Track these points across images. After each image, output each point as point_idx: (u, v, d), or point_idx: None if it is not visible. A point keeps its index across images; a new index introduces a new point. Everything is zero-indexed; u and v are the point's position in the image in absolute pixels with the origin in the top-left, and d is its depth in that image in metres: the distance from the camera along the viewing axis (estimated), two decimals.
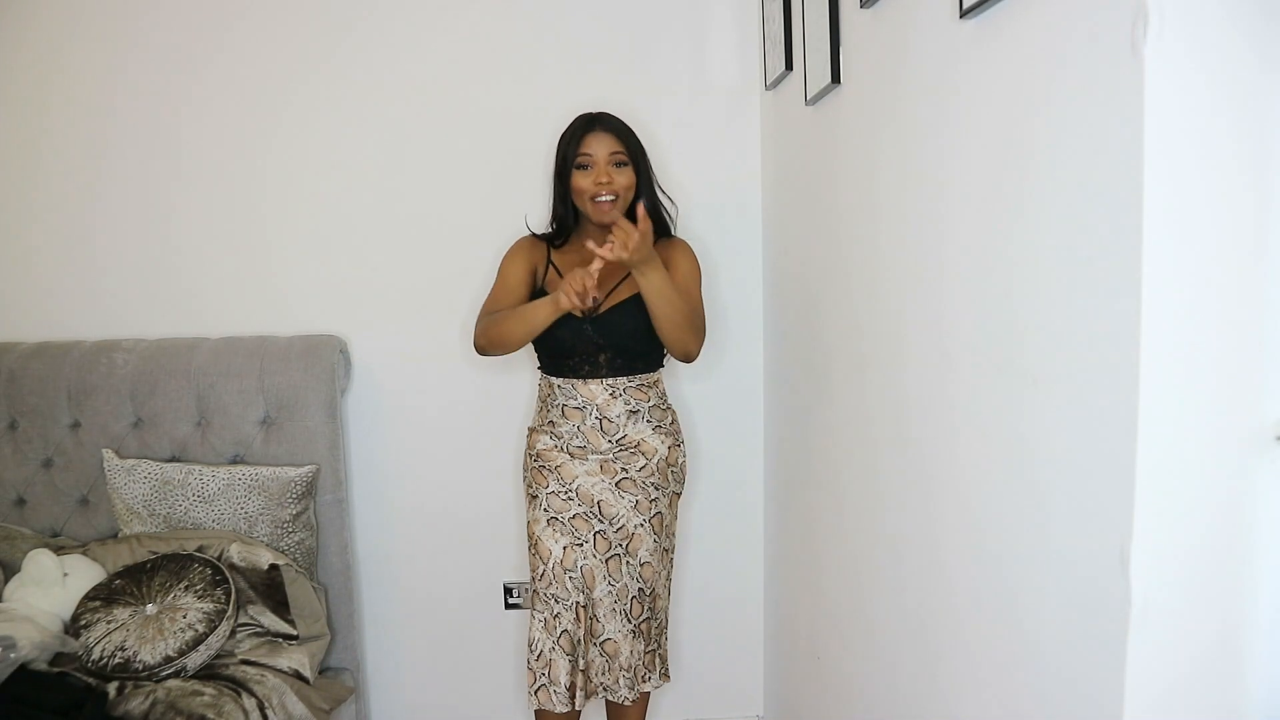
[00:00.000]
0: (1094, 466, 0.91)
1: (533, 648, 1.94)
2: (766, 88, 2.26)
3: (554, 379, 1.96)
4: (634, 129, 1.94)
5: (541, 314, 1.80)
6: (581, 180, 1.88)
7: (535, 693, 1.92)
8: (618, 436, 1.93)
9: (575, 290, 1.70)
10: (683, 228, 2.23)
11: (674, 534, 2.06)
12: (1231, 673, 0.88)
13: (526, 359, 2.10)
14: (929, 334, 1.32)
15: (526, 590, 2.48)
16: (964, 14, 1.13)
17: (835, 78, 1.65)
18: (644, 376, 1.96)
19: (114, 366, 2.24)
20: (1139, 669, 0.86)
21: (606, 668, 1.95)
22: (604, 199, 1.88)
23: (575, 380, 1.92)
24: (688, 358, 1.92)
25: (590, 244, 1.76)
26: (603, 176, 1.87)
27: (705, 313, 2.00)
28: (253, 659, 1.95)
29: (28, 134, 2.35)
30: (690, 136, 2.35)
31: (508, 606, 2.50)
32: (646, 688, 2.01)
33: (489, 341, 1.90)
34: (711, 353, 2.39)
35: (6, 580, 2.05)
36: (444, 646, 2.51)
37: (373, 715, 2.49)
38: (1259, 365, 0.84)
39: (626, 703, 1.97)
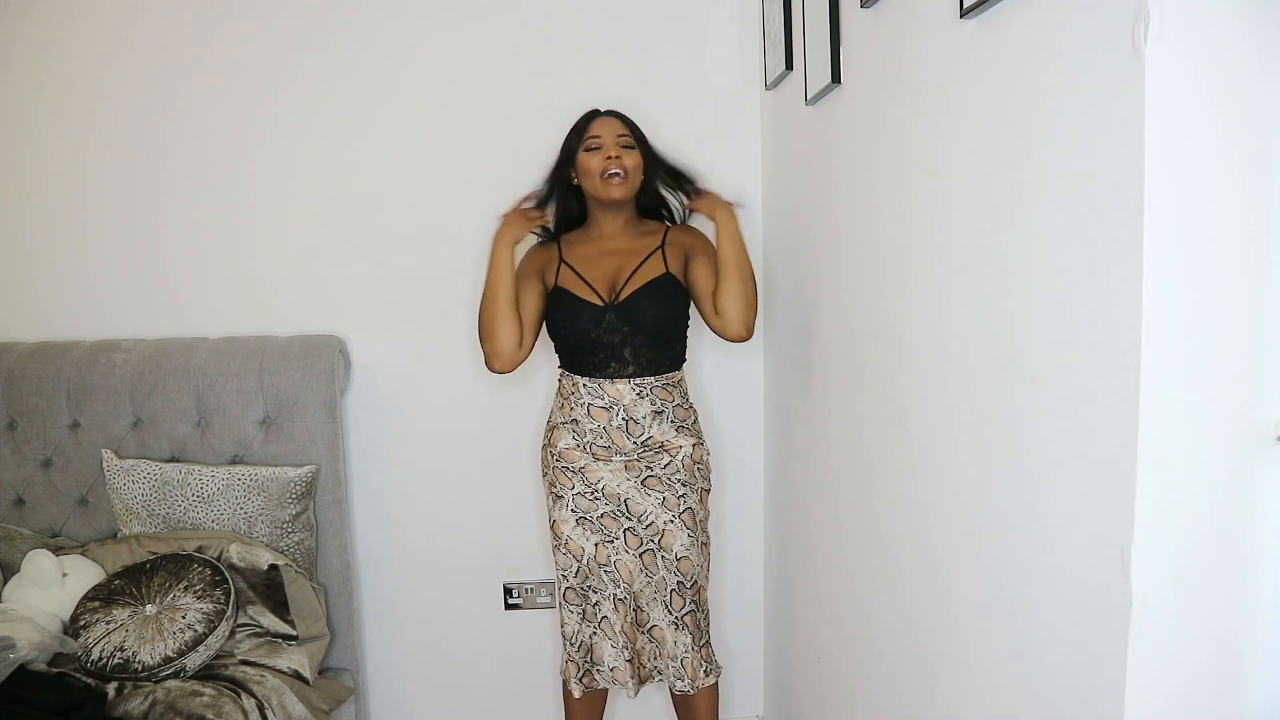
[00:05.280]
0: (1094, 466, 0.91)
1: (572, 640, 1.99)
2: (766, 87, 2.26)
3: (578, 377, 1.94)
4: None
5: (494, 260, 1.90)
6: (590, 160, 1.92)
7: (581, 679, 1.99)
8: (643, 438, 1.92)
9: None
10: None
11: (707, 529, 2.04)
12: (1231, 673, 0.88)
13: (551, 359, 2.09)
14: (929, 333, 1.32)
15: (528, 591, 2.48)
16: (964, 13, 1.13)
17: (835, 77, 1.65)
18: (669, 375, 1.95)
19: (113, 367, 2.24)
20: (1139, 669, 0.86)
21: (657, 653, 1.98)
22: (613, 173, 1.90)
23: (602, 379, 1.91)
24: (746, 329, 1.87)
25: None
26: (612, 152, 1.90)
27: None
28: (252, 659, 1.95)
29: (26, 134, 2.35)
30: (690, 136, 2.35)
31: (508, 607, 2.50)
32: (709, 680, 2.00)
33: (483, 334, 1.93)
34: (711, 353, 2.39)
35: (6, 580, 2.05)
36: (444, 646, 2.51)
37: (373, 715, 2.48)
38: (1259, 365, 0.84)
39: (677, 691, 1.99)
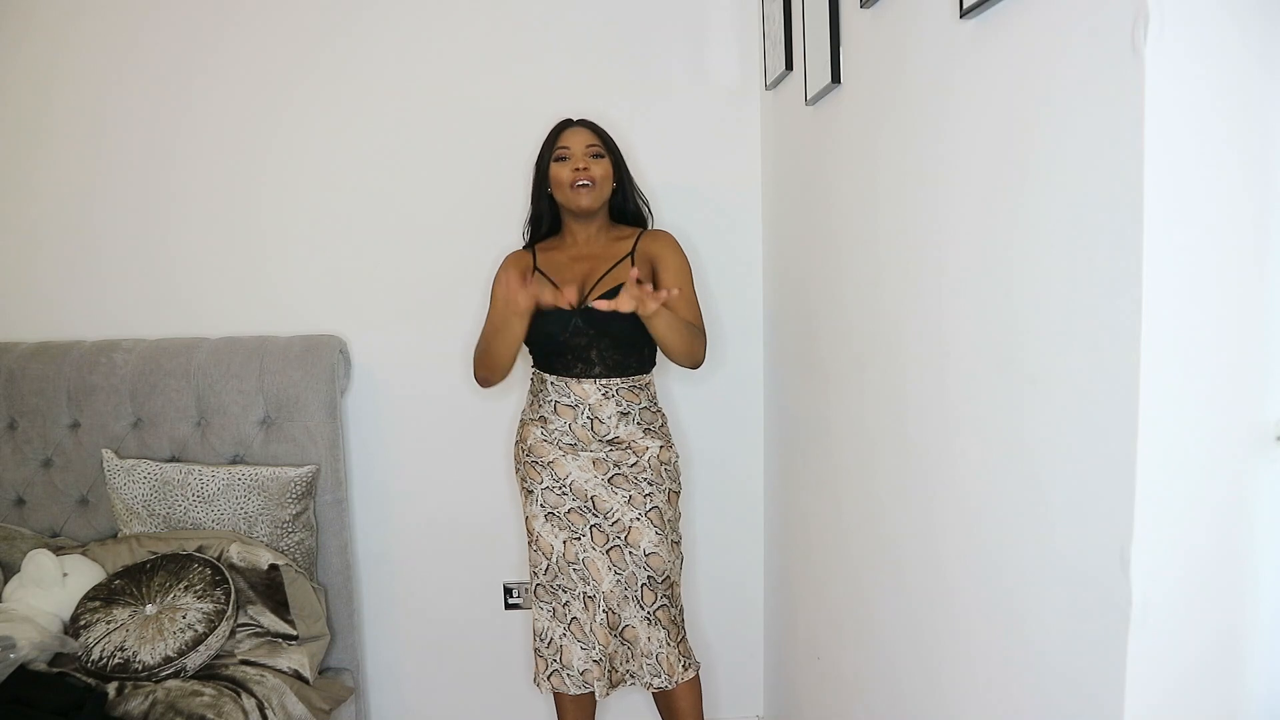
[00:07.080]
0: (1094, 466, 0.91)
1: (542, 637, 2.00)
2: (766, 88, 2.26)
3: (546, 375, 1.98)
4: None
5: (509, 321, 1.86)
6: (560, 171, 1.96)
7: (548, 677, 1.99)
8: (609, 437, 1.95)
9: (514, 292, 1.80)
10: (683, 228, 2.23)
11: (678, 529, 2.05)
12: (1231, 673, 0.88)
13: (525, 359, 2.10)
14: (929, 334, 1.32)
15: (527, 589, 2.48)
16: (964, 14, 1.13)
17: (835, 78, 1.65)
18: (637, 378, 1.98)
19: (114, 366, 2.24)
20: (1139, 669, 0.86)
21: (629, 655, 1.98)
22: (582, 184, 1.95)
23: (569, 379, 1.95)
24: (695, 365, 1.97)
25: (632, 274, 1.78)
26: (580, 164, 1.95)
27: (701, 310, 2.05)
28: (252, 659, 1.95)
29: (28, 134, 2.35)
30: (690, 136, 2.35)
31: (508, 606, 2.50)
32: (688, 675, 2.00)
33: (481, 368, 1.99)
34: (711, 353, 2.37)
35: (6, 580, 2.05)
36: (444, 646, 2.51)
37: (373, 715, 2.48)
38: (1259, 365, 0.84)
39: (655, 688, 1.98)
